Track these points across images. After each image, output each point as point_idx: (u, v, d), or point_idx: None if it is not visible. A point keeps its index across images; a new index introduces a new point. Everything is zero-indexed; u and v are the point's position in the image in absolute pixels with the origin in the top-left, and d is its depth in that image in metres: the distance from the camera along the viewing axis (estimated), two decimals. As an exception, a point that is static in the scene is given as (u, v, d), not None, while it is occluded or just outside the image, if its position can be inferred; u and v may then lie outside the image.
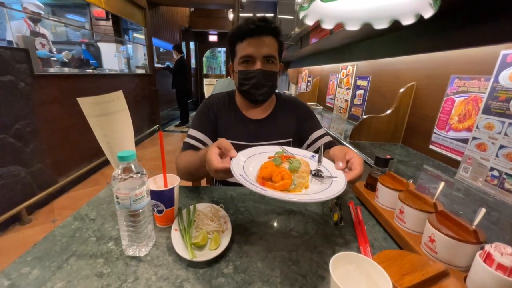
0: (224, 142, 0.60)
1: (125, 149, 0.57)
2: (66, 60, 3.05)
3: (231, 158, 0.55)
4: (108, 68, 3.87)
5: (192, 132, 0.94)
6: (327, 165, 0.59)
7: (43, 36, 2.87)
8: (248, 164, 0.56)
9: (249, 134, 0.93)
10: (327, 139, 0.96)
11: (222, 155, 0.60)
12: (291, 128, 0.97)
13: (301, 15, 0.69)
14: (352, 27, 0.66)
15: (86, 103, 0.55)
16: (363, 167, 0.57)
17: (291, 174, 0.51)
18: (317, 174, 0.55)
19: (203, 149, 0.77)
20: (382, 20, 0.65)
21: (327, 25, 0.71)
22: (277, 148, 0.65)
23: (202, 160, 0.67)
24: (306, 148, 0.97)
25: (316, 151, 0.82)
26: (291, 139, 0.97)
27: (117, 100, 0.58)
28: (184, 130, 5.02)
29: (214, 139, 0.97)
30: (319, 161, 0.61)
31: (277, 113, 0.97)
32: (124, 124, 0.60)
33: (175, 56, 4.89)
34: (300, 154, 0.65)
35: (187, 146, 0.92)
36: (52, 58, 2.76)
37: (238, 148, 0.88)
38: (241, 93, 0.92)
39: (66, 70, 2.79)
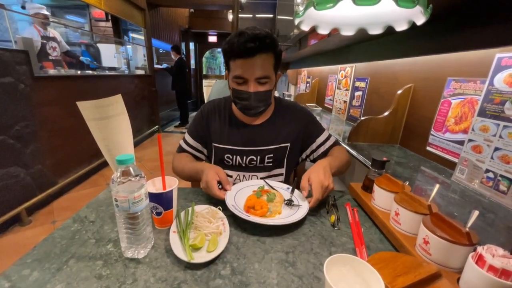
0: (222, 175, 0.76)
1: (124, 153, 0.58)
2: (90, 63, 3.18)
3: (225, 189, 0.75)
4: (107, 69, 3.87)
5: (188, 138, 1.00)
6: (297, 195, 0.78)
7: (54, 39, 2.89)
8: (238, 195, 0.76)
9: (244, 139, 0.93)
10: (330, 142, 0.97)
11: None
12: (289, 134, 0.95)
13: (296, 21, 0.70)
14: (347, 32, 0.67)
15: (85, 107, 0.55)
16: (322, 189, 0.69)
17: (268, 204, 0.69)
18: (288, 203, 0.73)
19: (199, 163, 0.90)
20: (376, 26, 0.66)
21: (323, 31, 0.72)
22: (261, 182, 0.85)
23: (197, 172, 0.82)
24: (310, 154, 0.99)
25: (319, 157, 0.96)
26: (288, 144, 0.94)
27: (116, 104, 0.59)
28: (183, 131, 5.02)
29: (207, 146, 1.00)
30: (292, 192, 0.79)
31: (276, 119, 0.96)
32: (123, 127, 0.61)
33: (174, 57, 4.89)
34: (278, 186, 0.84)
35: (181, 150, 1.00)
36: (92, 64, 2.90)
37: (233, 152, 0.93)
38: (237, 107, 0.91)
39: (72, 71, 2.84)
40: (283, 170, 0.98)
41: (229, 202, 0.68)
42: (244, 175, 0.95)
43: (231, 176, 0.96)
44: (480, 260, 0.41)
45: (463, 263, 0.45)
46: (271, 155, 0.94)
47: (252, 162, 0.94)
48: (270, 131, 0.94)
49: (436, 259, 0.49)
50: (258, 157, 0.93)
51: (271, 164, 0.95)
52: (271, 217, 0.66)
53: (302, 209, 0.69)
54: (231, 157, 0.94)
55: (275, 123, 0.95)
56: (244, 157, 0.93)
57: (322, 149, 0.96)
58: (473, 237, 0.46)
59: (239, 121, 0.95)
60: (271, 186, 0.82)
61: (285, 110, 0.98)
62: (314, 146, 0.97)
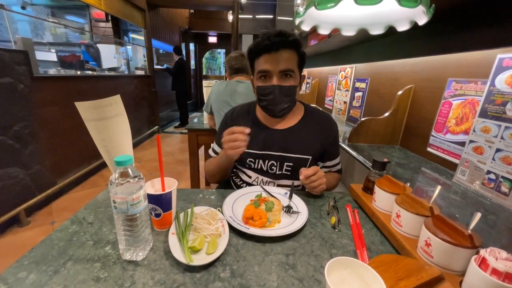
0: (232, 129, 0.76)
1: (123, 154, 0.57)
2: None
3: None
4: (107, 69, 3.87)
5: (215, 147, 1.02)
6: (295, 201, 0.77)
7: None
8: (236, 205, 0.74)
9: (264, 143, 0.91)
10: (336, 168, 1.01)
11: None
12: (314, 147, 0.91)
13: (297, 21, 0.69)
14: (348, 32, 0.67)
15: (83, 107, 0.55)
16: (316, 175, 0.76)
17: (266, 214, 0.67)
18: (287, 211, 0.72)
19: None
20: (378, 26, 0.66)
21: (323, 31, 0.72)
22: (258, 189, 0.83)
23: (221, 157, 0.86)
24: None
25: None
26: (309, 157, 0.90)
27: (115, 104, 0.58)
28: (183, 132, 5.01)
29: None
30: (290, 198, 0.78)
31: (303, 126, 0.92)
32: (122, 128, 0.60)
33: (176, 58, 4.89)
34: (276, 191, 0.83)
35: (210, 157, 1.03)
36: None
37: (255, 156, 0.93)
38: (261, 108, 0.91)
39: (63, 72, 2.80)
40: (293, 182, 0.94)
41: (227, 214, 0.67)
42: (262, 179, 0.93)
43: (250, 177, 0.95)
44: (483, 263, 0.40)
45: (465, 266, 0.44)
46: (291, 163, 0.90)
47: (273, 168, 0.92)
48: (293, 138, 0.91)
49: (438, 262, 0.48)
50: (278, 163, 0.91)
51: (289, 173, 0.92)
52: (270, 227, 0.65)
53: (301, 216, 0.69)
54: (253, 161, 0.93)
55: (300, 132, 0.92)
56: (266, 161, 0.91)
57: (325, 170, 0.99)
58: (476, 239, 0.46)
59: (262, 125, 0.93)
60: (268, 193, 0.81)
61: (313, 119, 0.95)
62: (321, 164, 0.96)
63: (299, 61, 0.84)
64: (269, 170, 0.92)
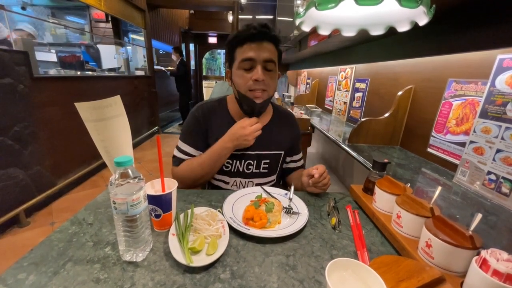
0: (248, 121, 0.86)
1: (123, 154, 0.57)
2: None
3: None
4: (107, 70, 3.87)
5: (184, 146, 0.92)
6: (295, 201, 0.77)
7: None
8: (236, 205, 0.74)
9: None
10: (300, 163, 1.08)
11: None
12: (285, 142, 0.98)
13: (297, 22, 0.69)
14: (349, 33, 0.67)
15: (83, 108, 0.55)
16: (324, 174, 0.81)
17: (267, 214, 0.67)
18: (288, 211, 0.71)
19: (214, 146, 0.88)
20: (378, 27, 0.66)
21: (324, 31, 0.71)
22: (259, 189, 0.83)
23: (222, 149, 0.85)
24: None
25: (286, 170, 1.07)
26: (282, 152, 0.98)
27: (115, 105, 0.58)
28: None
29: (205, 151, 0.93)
30: (290, 198, 0.78)
31: (273, 126, 0.96)
32: (122, 129, 0.60)
33: (175, 58, 4.86)
34: (276, 192, 0.83)
35: (180, 162, 0.92)
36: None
37: (232, 157, 0.92)
38: (241, 105, 0.88)
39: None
40: (274, 177, 1.01)
41: (227, 215, 0.67)
42: (240, 181, 0.94)
43: (227, 183, 0.95)
44: (484, 264, 0.40)
45: (466, 267, 0.44)
46: (268, 160, 0.94)
47: (249, 167, 0.93)
48: (267, 136, 0.93)
49: (439, 263, 0.48)
50: (255, 162, 0.93)
51: (266, 170, 0.96)
52: (271, 228, 0.65)
53: (301, 216, 0.69)
54: (231, 162, 0.91)
55: (272, 129, 0.95)
56: (243, 161, 0.92)
57: (292, 164, 1.06)
58: (477, 240, 0.46)
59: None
60: (269, 193, 0.82)
61: (282, 118, 1.01)
62: (288, 159, 1.05)
63: (278, 56, 0.86)
64: (246, 170, 0.93)
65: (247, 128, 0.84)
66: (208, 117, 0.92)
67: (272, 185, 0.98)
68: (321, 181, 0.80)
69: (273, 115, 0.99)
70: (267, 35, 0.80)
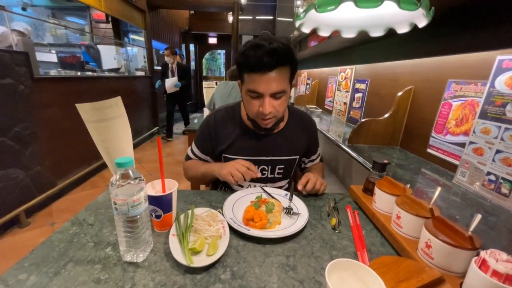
0: (247, 163, 0.82)
1: (123, 155, 0.57)
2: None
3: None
4: (107, 70, 3.88)
5: (195, 150, 0.99)
6: (296, 202, 0.78)
7: None
8: (236, 206, 0.74)
9: (256, 148, 0.91)
10: (318, 159, 1.07)
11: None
12: (301, 146, 0.96)
13: (297, 23, 0.69)
14: (348, 34, 0.67)
15: (84, 109, 0.55)
16: (318, 182, 0.82)
17: (267, 215, 0.67)
18: (288, 212, 0.72)
19: (213, 164, 0.92)
20: (378, 28, 0.66)
21: (324, 33, 0.72)
22: (259, 190, 0.84)
23: (213, 171, 0.87)
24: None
25: (303, 169, 1.05)
26: (297, 157, 0.95)
27: (116, 106, 0.58)
28: (186, 130, 4.99)
29: (215, 158, 0.99)
30: (290, 199, 0.78)
31: (289, 129, 0.94)
32: (123, 130, 0.61)
33: (169, 58, 3.95)
34: (276, 193, 0.83)
35: (188, 159, 1.02)
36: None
37: None
38: (250, 120, 0.88)
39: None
40: (287, 181, 1.01)
41: (227, 216, 0.67)
42: (255, 186, 0.94)
43: (241, 186, 0.95)
44: (483, 265, 0.40)
45: (466, 268, 0.44)
46: (282, 166, 0.94)
47: (264, 172, 0.93)
48: (282, 142, 0.92)
49: (438, 263, 0.48)
50: (270, 167, 0.93)
51: (281, 175, 0.96)
52: (271, 229, 0.65)
53: (301, 217, 0.69)
54: None
55: (288, 135, 0.94)
56: (257, 167, 0.90)
57: (309, 164, 1.05)
58: (476, 241, 0.46)
59: (250, 130, 0.92)
60: (269, 194, 0.82)
61: (298, 122, 0.98)
62: (306, 160, 1.05)
63: (292, 74, 0.79)
64: (261, 175, 0.93)
65: (239, 167, 0.79)
66: (218, 126, 0.93)
67: (286, 188, 0.99)
68: (313, 192, 0.83)
69: (288, 120, 0.96)
70: (278, 62, 0.71)
